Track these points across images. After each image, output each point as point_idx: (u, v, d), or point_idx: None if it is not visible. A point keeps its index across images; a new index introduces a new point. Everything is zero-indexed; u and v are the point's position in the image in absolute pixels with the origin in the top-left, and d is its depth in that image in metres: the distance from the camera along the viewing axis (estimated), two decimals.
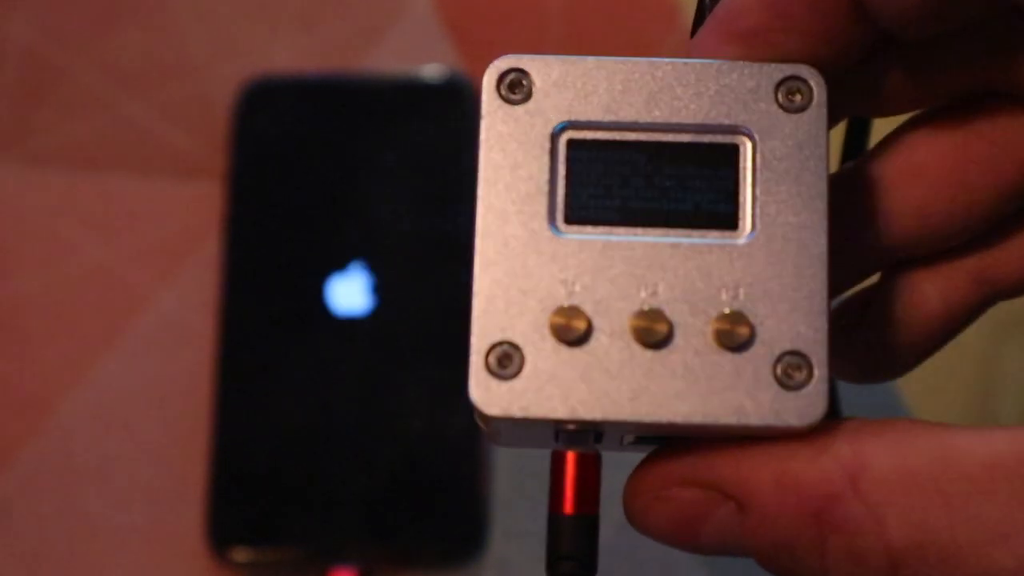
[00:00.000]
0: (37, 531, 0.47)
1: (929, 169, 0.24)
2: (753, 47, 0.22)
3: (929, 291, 0.26)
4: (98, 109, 0.53)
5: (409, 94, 0.52)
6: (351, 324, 0.49)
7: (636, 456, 0.25)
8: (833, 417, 0.22)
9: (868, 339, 0.26)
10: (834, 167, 0.25)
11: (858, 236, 0.25)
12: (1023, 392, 0.48)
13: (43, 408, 0.48)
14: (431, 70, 0.53)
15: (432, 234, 0.50)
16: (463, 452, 0.47)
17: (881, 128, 0.27)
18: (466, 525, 0.46)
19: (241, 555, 0.45)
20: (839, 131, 0.27)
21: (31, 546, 0.46)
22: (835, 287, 0.24)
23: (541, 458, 0.47)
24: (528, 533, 0.46)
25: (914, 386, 0.48)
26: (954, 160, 0.24)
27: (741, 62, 0.23)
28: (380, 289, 0.49)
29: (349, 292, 0.49)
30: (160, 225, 0.51)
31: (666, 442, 0.23)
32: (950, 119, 0.24)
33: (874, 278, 0.27)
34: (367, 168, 0.51)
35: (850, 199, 0.25)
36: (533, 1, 0.55)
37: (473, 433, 0.47)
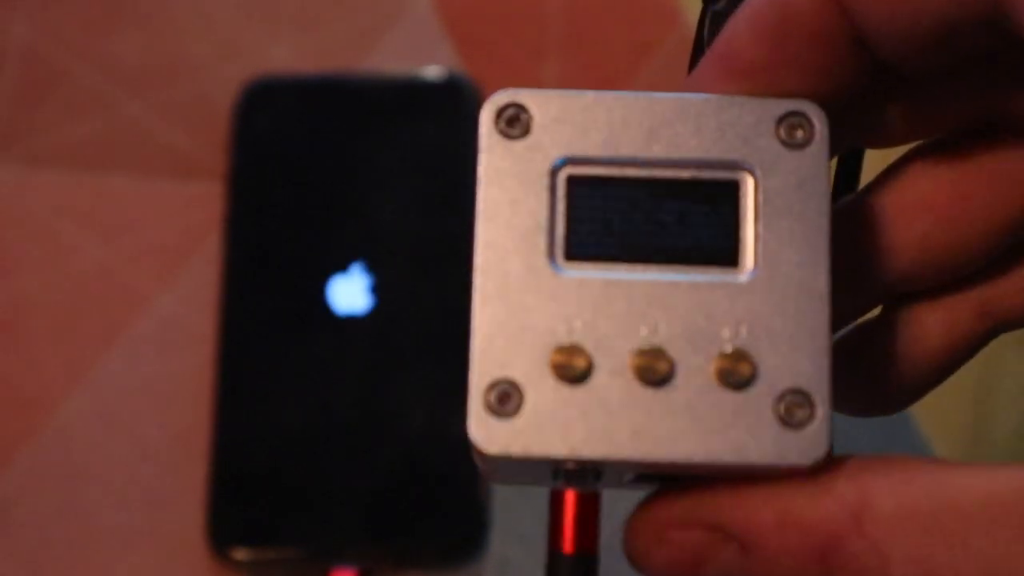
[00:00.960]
0: (37, 531, 0.47)
1: (931, 202, 0.24)
2: (753, 83, 0.22)
3: (931, 324, 0.26)
4: (99, 109, 0.53)
5: (409, 94, 0.52)
6: (351, 324, 0.49)
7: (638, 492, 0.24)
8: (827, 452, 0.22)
9: (870, 373, 0.26)
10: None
11: (859, 270, 0.25)
12: (1020, 396, 0.48)
13: (43, 408, 0.48)
14: (431, 70, 0.53)
15: (432, 234, 0.50)
16: (463, 452, 0.47)
17: (872, 157, 0.26)
18: (466, 525, 0.46)
19: (241, 555, 0.45)
20: (832, 161, 0.26)
21: (31, 546, 0.46)
22: (837, 321, 0.24)
23: None
24: (528, 533, 0.46)
25: None
26: (955, 192, 0.24)
27: (741, 97, 0.22)
28: (380, 289, 0.49)
29: (349, 292, 0.49)
30: (160, 225, 0.51)
31: (667, 481, 0.23)
32: (951, 151, 0.24)
33: (876, 311, 0.27)
34: (367, 168, 0.51)
35: (851, 233, 0.25)
36: (533, 1, 0.55)
37: None
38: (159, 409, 0.48)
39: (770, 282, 0.22)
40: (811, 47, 0.22)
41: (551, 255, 0.22)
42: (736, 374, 0.22)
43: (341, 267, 0.50)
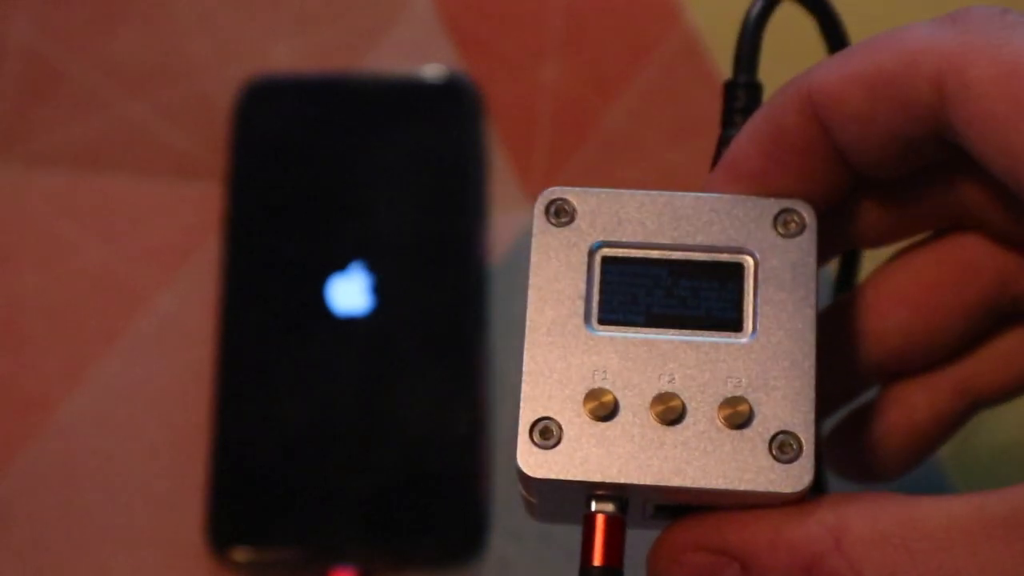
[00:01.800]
0: (36, 531, 0.47)
1: (909, 294, 0.29)
2: (754, 185, 0.27)
3: (917, 402, 0.30)
4: (98, 109, 0.53)
5: (409, 94, 0.52)
6: (351, 324, 0.49)
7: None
8: (819, 492, 0.27)
9: (866, 446, 0.31)
10: (829, 296, 0.30)
11: (853, 355, 0.29)
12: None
13: (43, 408, 0.49)
14: (431, 70, 0.53)
15: (432, 234, 0.50)
16: (463, 452, 0.47)
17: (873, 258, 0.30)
18: (466, 525, 0.46)
19: (241, 555, 0.45)
20: (834, 263, 0.31)
21: (31, 546, 0.46)
22: (837, 400, 0.30)
23: None
24: (528, 533, 0.46)
25: None
26: (928, 284, 0.29)
27: (746, 196, 0.28)
28: (380, 289, 0.49)
29: (349, 292, 0.49)
30: (160, 225, 0.51)
31: (682, 514, 0.27)
32: (926, 248, 0.29)
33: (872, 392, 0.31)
34: (367, 168, 0.51)
35: (845, 324, 0.29)
36: (533, 2, 0.55)
37: (473, 433, 0.47)
38: (159, 409, 0.48)
39: (767, 344, 0.27)
40: (798, 157, 0.27)
41: (587, 320, 0.27)
42: (737, 417, 0.26)
43: (341, 267, 0.50)
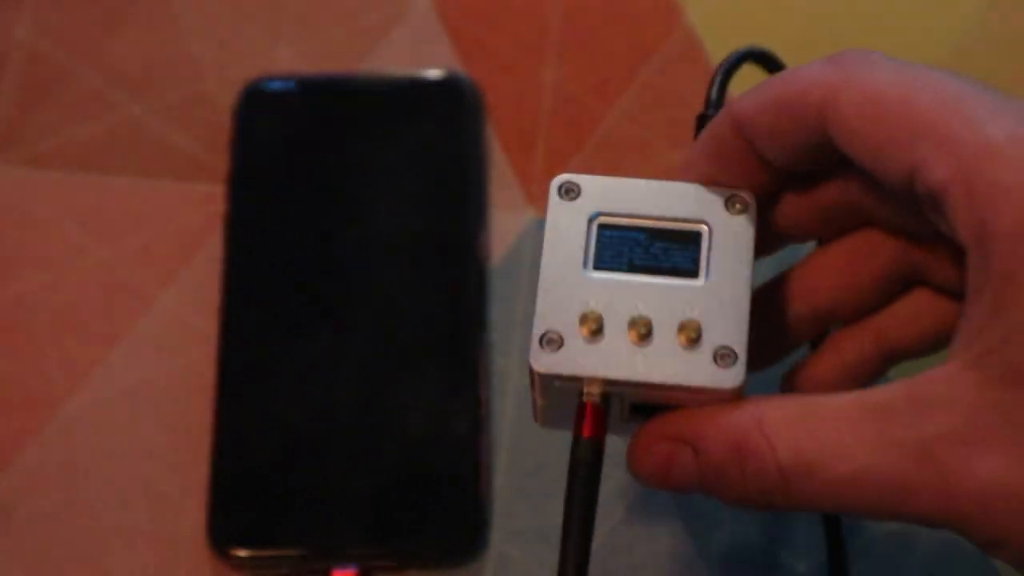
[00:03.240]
0: (39, 530, 0.47)
1: (833, 264, 0.39)
2: (708, 179, 0.37)
3: (846, 346, 0.40)
4: (101, 111, 0.54)
5: (409, 95, 0.53)
6: (351, 324, 0.49)
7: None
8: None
9: (808, 381, 0.40)
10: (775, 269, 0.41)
11: (797, 310, 0.40)
12: None
13: (45, 407, 0.49)
14: (431, 71, 0.53)
15: (432, 234, 0.50)
16: (463, 452, 0.47)
17: None
18: (466, 525, 0.46)
19: (242, 555, 0.46)
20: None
21: (33, 545, 0.47)
22: (789, 348, 0.41)
23: (540, 458, 0.47)
24: (528, 532, 0.46)
25: None
26: (847, 256, 0.39)
27: (706, 185, 0.38)
28: (380, 289, 0.49)
29: (349, 292, 0.49)
30: (162, 226, 0.52)
31: (651, 414, 0.36)
32: (842, 239, 0.39)
33: None
34: (368, 169, 0.51)
35: (791, 286, 0.40)
36: (533, 2, 0.55)
37: (473, 433, 0.47)
38: (161, 409, 0.49)
39: (714, 286, 0.37)
40: (733, 161, 0.37)
41: (585, 265, 0.37)
42: (690, 334, 0.36)
43: (341, 267, 0.50)
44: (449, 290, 0.49)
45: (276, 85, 0.53)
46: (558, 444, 0.47)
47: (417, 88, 0.53)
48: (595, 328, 0.36)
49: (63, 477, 0.48)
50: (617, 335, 0.36)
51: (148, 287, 0.51)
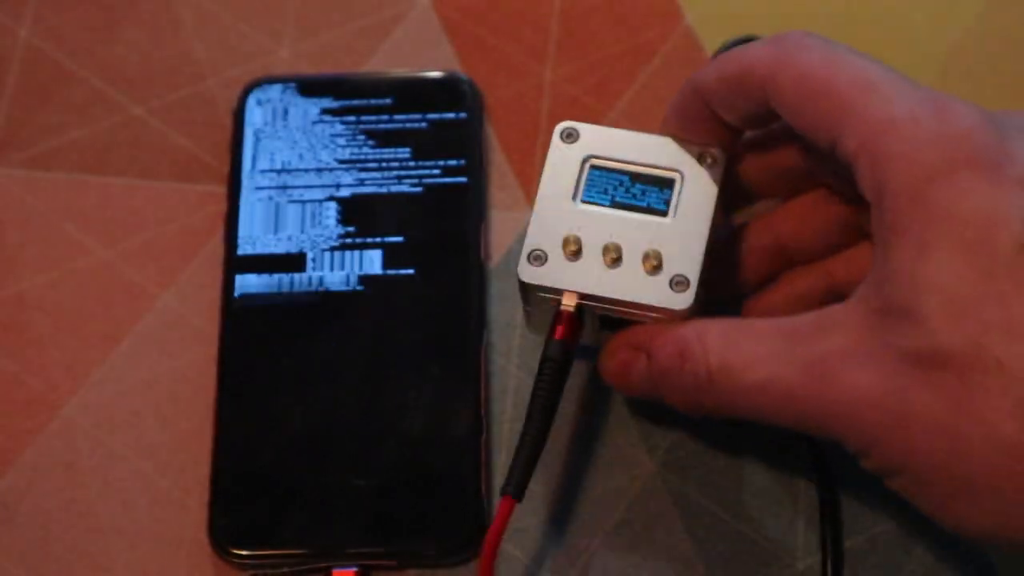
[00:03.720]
0: (40, 529, 0.47)
1: (794, 211, 0.46)
2: (682, 136, 0.44)
3: (798, 279, 0.46)
4: (102, 112, 0.54)
5: (410, 95, 0.53)
6: (352, 323, 0.49)
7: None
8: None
9: (765, 309, 0.47)
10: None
11: (763, 251, 0.47)
12: None
13: (47, 407, 0.49)
14: (431, 71, 0.53)
15: (432, 234, 0.50)
16: (463, 452, 0.47)
17: None
18: (466, 525, 0.46)
19: (243, 554, 0.46)
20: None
21: (34, 544, 0.47)
22: (753, 281, 0.47)
23: (540, 458, 0.47)
24: (528, 531, 0.46)
25: None
26: (805, 206, 0.46)
27: (684, 140, 0.44)
28: (381, 288, 0.49)
29: (350, 291, 0.49)
30: (164, 226, 0.52)
31: (616, 328, 0.44)
32: (803, 196, 0.46)
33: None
34: (368, 169, 0.51)
35: (760, 230, 0.47)
36: (533, 2, 0.55)
37: (473, 433, 0.47)
38: (162, 408, 0.49)
39: (679, 224, 0.43)
40: (698, 123, 0.44)
41: (574, 197, 0.44)
42: (652, 262, 0.43)
43: (342, 267, 0.50)
44: (448, 290, 0.49)
45: (276, 86, 0.53)
46: (557, 444, 0.48)
47: (417, 88, 0.53)
48: (575, 250, 0.43)
49: (64, 477, 0.48)
50: (593, 257, 0.43)
51: (148, 287, 0.51)
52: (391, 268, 0.50)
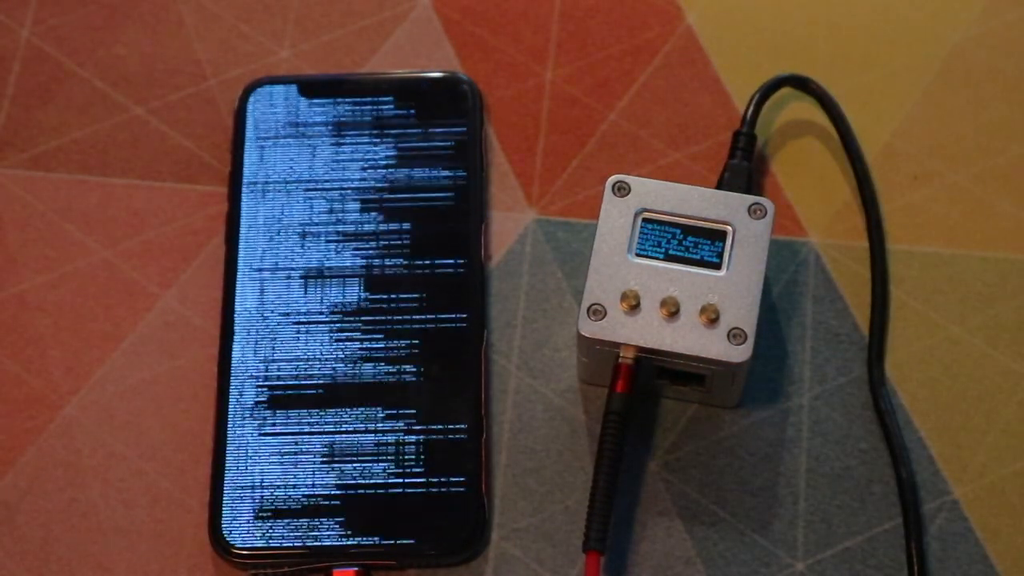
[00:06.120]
0: (41, 529, 0.47)
1: None
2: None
3: None
4: (103, 112, 0.54)
5: (410, 95, 0.53)
6: (353, 323, 0.49)
7: None
8: None
9: None
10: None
11: None
12: (1014, 396, 0.48)
13: (48, 407, 0.49)
14: (431, 71, 0.53)
15: (432, 234, 0.50)
16: (463, 452, 0.47)
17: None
18: (466, 524, 0.46)
19: (243, 554, 0.46)
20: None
21: (36, 544, 0.47)
22: None
23: (539, 458, 0.47)
24: (528, 531, 0.46)
25: (914, 388, 0.49)
26: None
27: (734, 193, 0.47)
28: (381, 288, 0.49)
29: (350, 291, 0.49)
30: (164, 226, 0.52)
31: (674, 380, 0.46)
32: None
33: None
34: (368, 169, 0.51)
35: None
36: (534, 2, 0.55)
37: (473, 433, 0.47)
38: (163, 408, 0.49)
39: (733, 277, 0.45)
40: None
41: (629, 251, 0.46)
42: (710, 315, 0.44)
43: (342, 267, 0.50)
44: (449, 290, 0.49)
45: (277, 86, 0.53)
46: (557, 444, 0.48)
47: (418, 89, 0.53)
48: (633, 303, 0.45)
49: (65, 477, 0.48)
50: (651, 311, 0.45)
51: (149, 287, 0.51)
52: (392, 268, 0.50)
